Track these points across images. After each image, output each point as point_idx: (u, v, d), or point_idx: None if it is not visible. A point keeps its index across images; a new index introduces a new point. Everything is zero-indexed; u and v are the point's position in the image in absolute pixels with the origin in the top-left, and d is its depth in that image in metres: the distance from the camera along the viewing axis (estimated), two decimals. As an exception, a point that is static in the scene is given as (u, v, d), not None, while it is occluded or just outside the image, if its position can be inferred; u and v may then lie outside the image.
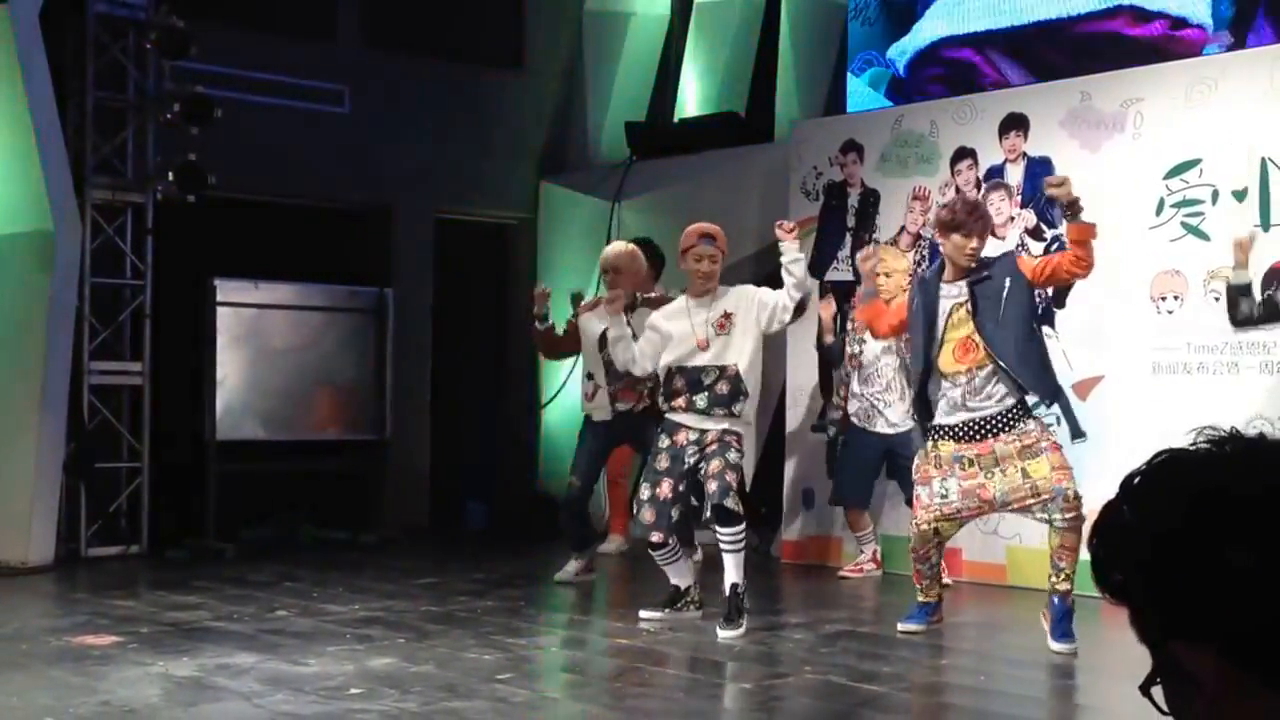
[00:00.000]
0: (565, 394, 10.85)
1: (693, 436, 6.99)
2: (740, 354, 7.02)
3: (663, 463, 7.02)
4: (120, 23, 9.57)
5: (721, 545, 6.91)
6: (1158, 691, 1.35)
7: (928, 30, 9.82)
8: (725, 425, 6.96)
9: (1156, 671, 1.35)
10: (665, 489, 6.98)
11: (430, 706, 5.32)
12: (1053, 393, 6.47)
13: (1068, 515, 6.12)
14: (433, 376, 11.55)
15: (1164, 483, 1.35)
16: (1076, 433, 6.44)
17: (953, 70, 9.67)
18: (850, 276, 9.36)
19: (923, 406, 6.55)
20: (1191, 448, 1.36)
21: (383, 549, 10.10)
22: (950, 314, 6.41)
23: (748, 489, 7.09)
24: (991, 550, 8.37)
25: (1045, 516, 6.23)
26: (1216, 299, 7.59)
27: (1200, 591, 1.28)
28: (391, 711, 5.23)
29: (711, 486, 6.86)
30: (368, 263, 11.28)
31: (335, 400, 10.98)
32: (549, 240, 11.81)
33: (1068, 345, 8.15)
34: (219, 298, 10.29)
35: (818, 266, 9.54)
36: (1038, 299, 8.33)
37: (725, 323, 7.05)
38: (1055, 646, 6.23)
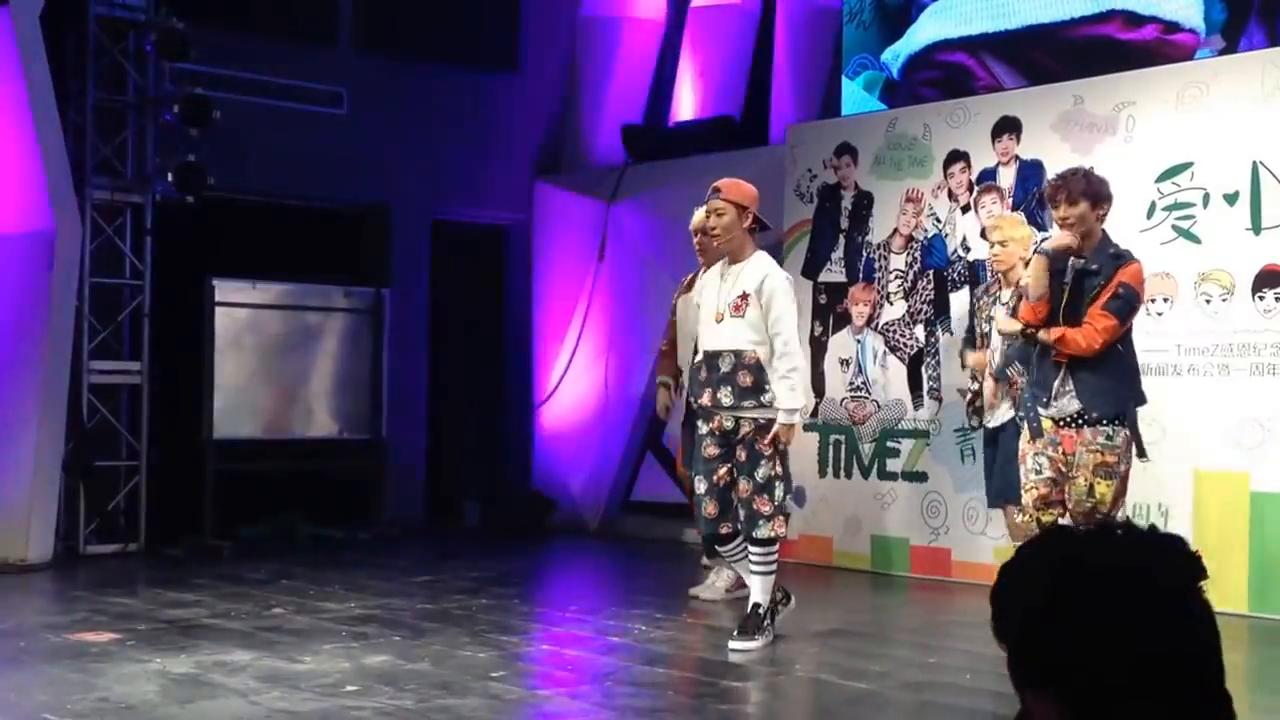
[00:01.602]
0: (560, 393, 10.92)
1: (728, 425, 6.44)
2: (761, 340, 6.36)
3: (710, 450, 6.48)
4: (120, 24, 9.62)
5: (751, 563, 6.52)
6: None
7: (922, 34, 9.87)
8: (755, 416, 6.38)
9: (1019, 717, 1.57)
10: (723, 474, 6.45)
11: (425, 704, 5.37)
12: (1117, 409, 6.03)
13: None
14: (429, 376, 11.60)
15: (1035, 559, 1.58)
16: (1140, 452, 6.10)
17: (946, 74, 9.72)
18: (843, 277, 9.42)
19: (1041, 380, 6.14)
20: (1074, 527, 1.66)
21: (379, 547, 10.14)
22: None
23: (789, 490, 6.63)
24: (979, 550, 8.44)
25: None
26: (1207, 301, 7.65)
27: (1049, 650, 1.51)
28: (386, 709, 5.28)
29: (742, 514, 6.42)
30: (365, 263, 11.34)
31: (332, 399, 11.03)
32: (544, 242, 11.88)
33: (1059, 347, 8.20)
34: (218, 298, 10.34)
35: (811, 268, 9.60)
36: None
37: (742, 304, 6.37)
38: None
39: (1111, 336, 5.95)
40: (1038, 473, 6.10)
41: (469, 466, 11.72)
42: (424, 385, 11.58)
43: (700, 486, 6.52)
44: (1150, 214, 7.88)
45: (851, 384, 9.34)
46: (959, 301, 8.79)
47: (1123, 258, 6.09)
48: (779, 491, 6.44)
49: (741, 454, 6.41)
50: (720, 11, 11.49)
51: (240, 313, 10.49)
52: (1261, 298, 7.44)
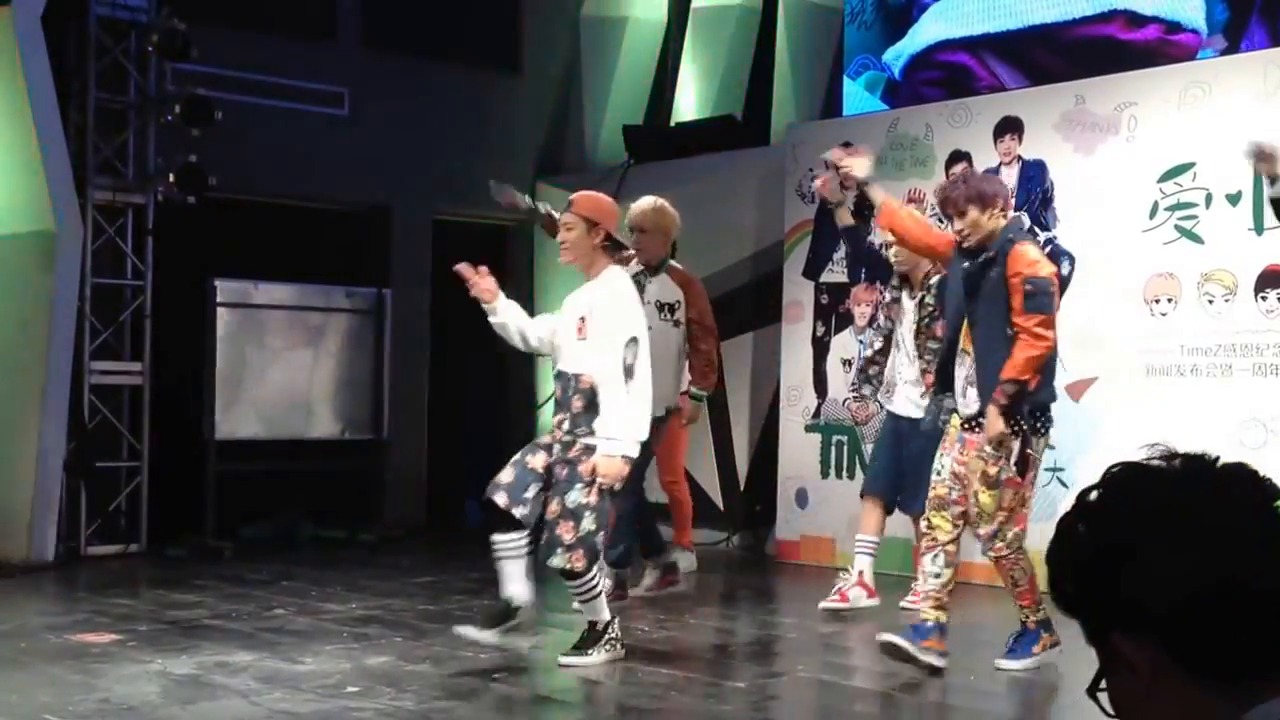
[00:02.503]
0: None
1: (565, 439, 6.03)
2: (598, 366, 5.93)
3: (541, 443, 6.15)
4: (121, 25, 9.62)
5: (571, 594, 6.11)
6: (1104, 697, 1.48)
7: (923, 34, 9.87)
8: (587, 442, 5.93)
9: (1101, 672, 1.47)
10: (536, 465, 6.02)
11: (426, 705, 5.37)
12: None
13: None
14: (430, 376, 11.60)
15: (1119, 494, 1.47)
16: (1020, 470, 5.85)
17: (948, 74, 9.71)
18: (844, 278, 9.41)
19: (945, 380, 6.07)
20: (1144, 462, 1.49)
21: (380, 548, 10.14)
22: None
23: (601, 525, 5.99)
24: (976, 549, 8.42)
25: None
26: (1210, 302, 7.64)
27: (1144, 587, 1.41)
28: (388, 709, 5.28)
29: (544, 535, 5.94)
30: (366, 263, 11.34)
31: (333, 400, 11.03)
32: (546, 242, 11.85)
33: (1061, 347, 8.16)
34: (219, 298, 10.34)
35: (813, 269, 9.60)
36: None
37: (581, 326, 6.02)
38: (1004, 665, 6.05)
39: (1050, 328, 5.74)
40: (938, 474, 5.98)
41: (470, 467, 11.70)
42: (425, 386, 11.58)
43: (510, 463, 6.05)
44: (1153, 214, 7.88)
45: (853, 384, 9.31)
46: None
47: (1012, 240, 5.82)
48: (587, 523, 5.88)
49: (562, 471, 5.94)
50: (721, 11, 11.49)
51: (241, 313, 10.49)
52: (1264, 298, 7.43)
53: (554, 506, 5.91)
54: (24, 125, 8.82)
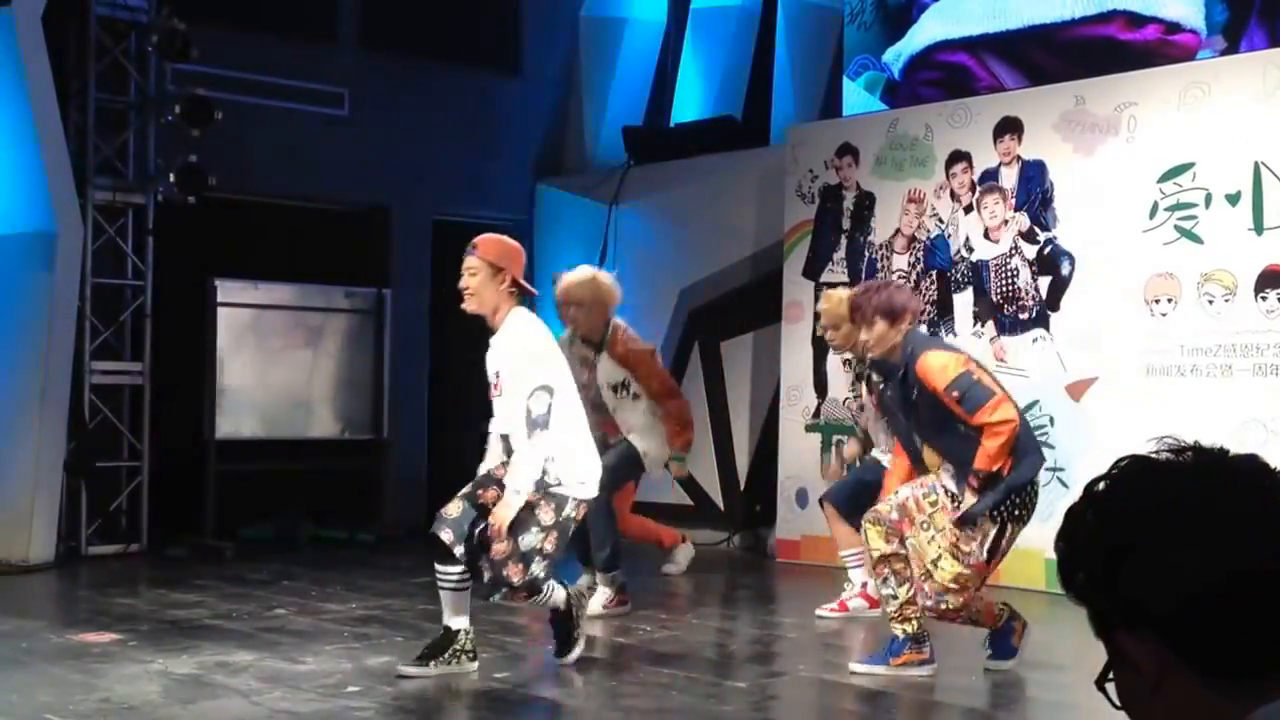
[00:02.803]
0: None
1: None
2: (517, 422, 5.73)
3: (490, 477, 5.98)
4: (122, 25, 9.63)
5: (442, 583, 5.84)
6: (1111, 688, 1.47)
7: (923, 34, 9.87)
8: (548, 487, 5.79)
9: (1109, 665, 1.45)
10: (488, 496, 5.85)
11: (426, 704, 5.37)
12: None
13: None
14: (430, 376, 11.61)
15: (1126, 490, 1.46)
16: (990, 553, 5.79)
17: (948, 74, 9.72)
18: (844, 278, 9.42)
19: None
20: (1154, 455, 1.48)
21: (380, 548, 10.15)
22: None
23: (550, 576, 5.87)
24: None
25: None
26: (1210, 302, 7.65)
27: (1147, 586, 1.40)
28: (388, 709, 5.28)
29: (486, 573, 5.67)
30: (366, 264, 11.34)
31: (334, 400, 11.04)
32: (545, 243, 11.87)
33: (1061, 347, 8.22)
34: (219, 298, 10.36)
35: (813, 269, 9.61)
36: (1032, 301, 8.42)
37: (497, 383, 5.88)
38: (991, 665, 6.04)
39: (1000, 407, 5.61)
40: (893, 495, 5.97)
41: (470, 467, 11.69)
42: (425, 386, 11.58)
43: (460, 495, 5.86)
44: (1152, 214, 7.89)
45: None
46: (962, 302, 8.79)
47: (914, 354, 5.74)
48: (536, 568, 5.72)
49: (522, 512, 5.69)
50: (721, 12, 11.50)
51: (242, 313, 10.50)
52: (1264, 298, 7.44)
53: (503, 546, 5.62)
54: (24, 125, 8.83)
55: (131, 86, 9.74)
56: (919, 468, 6.03)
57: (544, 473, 5.72)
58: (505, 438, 5.89)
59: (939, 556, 5.73)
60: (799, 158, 9.72)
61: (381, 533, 10.63)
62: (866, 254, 9.32)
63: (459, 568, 5.74)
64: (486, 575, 5.66)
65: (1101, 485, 1.48)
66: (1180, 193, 7.80)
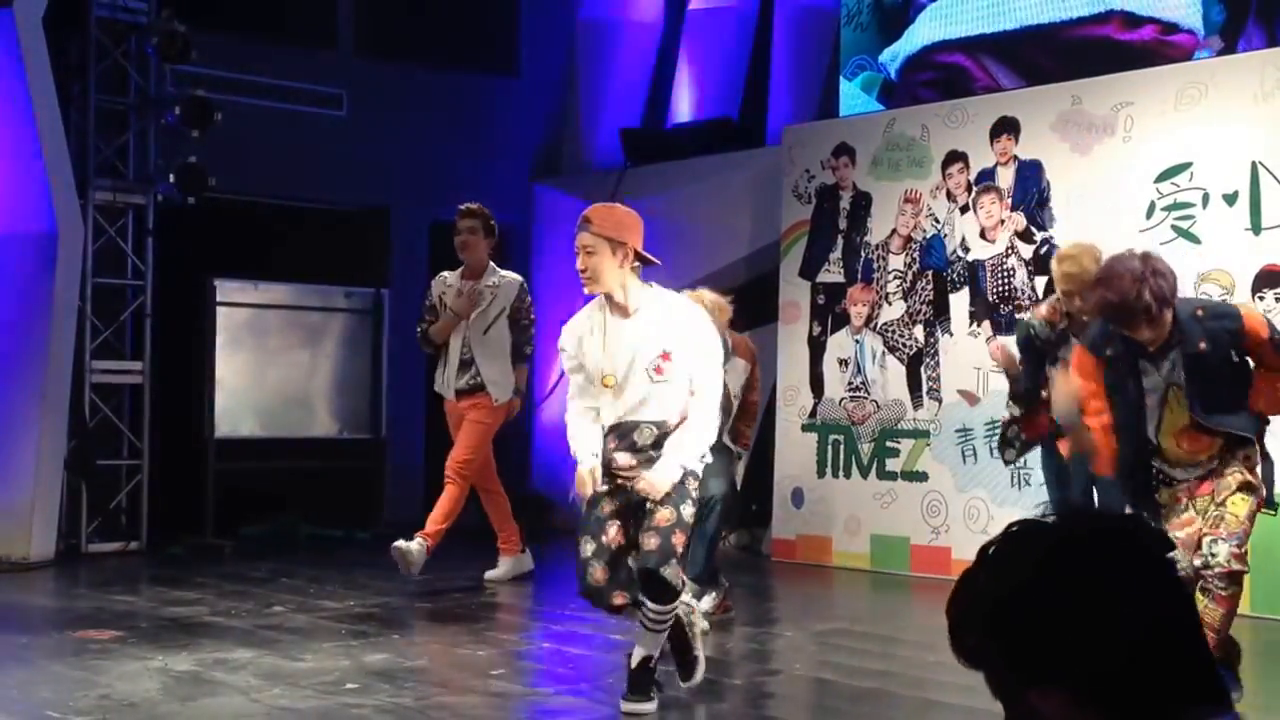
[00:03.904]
0: (559, 393, 10.90)
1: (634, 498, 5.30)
2: (681, 407, 5.20)
3: (607, 508, 5.30)
4: (122, 27, 9.66)
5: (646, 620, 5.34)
6: None
7: (920, 35, 9.90)
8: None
9: None
10: (615, 535, 5.29)
11: (424, 701, 5.39)
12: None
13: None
14: (428, 376, 11.61)
15: (1016, 547, 1.53)
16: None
17: (944, 74, 9.75)
18: (841, 278, 9.45)
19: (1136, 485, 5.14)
20: (1041, 518, 1.57)
21: (379, 546, 10.14)
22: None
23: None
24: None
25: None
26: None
27: (1049, 638, 1.47)
28: (386, 706, 5.30)
29: (650, 541, 5.14)
30: (365, 264, 11.36)
31: (332, 399, 11.06)
32: (542, 244, 11.90)
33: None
34: (219, 298, 10.38)
35: (809, 269, 9.63)
36: (1028, 301, 8.43)
37: (663, 367, 5.15)
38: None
39: None
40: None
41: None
42: (423, 385, 11.57)
43: (587, 548, 5.26)
44: (1150, 214, 7.91)
45: (850, 384, 9.36)
46: (959, 302, 8.81)
47: (1228, 316, 5.28)
48: (688, 540, 5.36)
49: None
50: (718, 13, 11.52)
51: (241, 313, 10.53)
52: (1261, 298, 7.46)
53: (668, 513, 5.13)
54: (25, 126, 8.85)
55: (132, 88, 9.76)
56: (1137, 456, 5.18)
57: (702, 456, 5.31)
58: (634, 427, 5.21)
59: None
60: (795, 158, 9.74)
61: (380, 531, 10.64)
62: (863, 254, 9.35)
63: (664, 606, 5.25)
64: (653, 543, 5.11)
65: (993, 549, 1.54)
66: (1177, 193, 7.82)
